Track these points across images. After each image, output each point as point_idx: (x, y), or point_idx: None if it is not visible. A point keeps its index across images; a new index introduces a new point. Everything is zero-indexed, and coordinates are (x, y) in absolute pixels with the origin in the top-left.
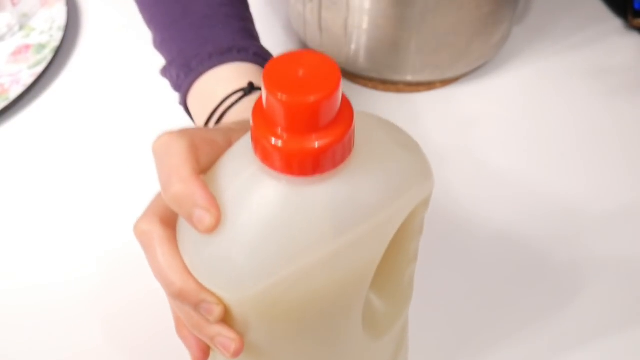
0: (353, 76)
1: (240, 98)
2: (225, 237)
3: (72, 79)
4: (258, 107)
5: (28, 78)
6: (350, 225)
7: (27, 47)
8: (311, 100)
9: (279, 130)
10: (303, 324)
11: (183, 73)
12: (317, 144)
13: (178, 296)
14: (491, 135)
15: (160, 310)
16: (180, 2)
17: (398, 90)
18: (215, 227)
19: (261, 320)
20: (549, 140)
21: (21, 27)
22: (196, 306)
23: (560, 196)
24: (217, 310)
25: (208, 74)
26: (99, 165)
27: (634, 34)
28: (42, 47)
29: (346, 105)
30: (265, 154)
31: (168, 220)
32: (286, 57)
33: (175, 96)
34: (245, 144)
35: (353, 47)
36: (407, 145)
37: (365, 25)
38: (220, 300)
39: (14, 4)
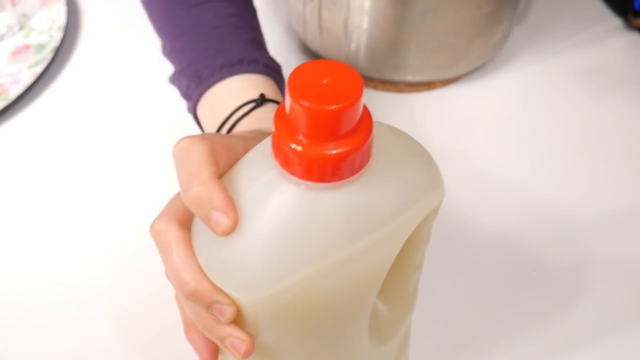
0: None
1: (252, 109)
2: (241, 239)
3: (71, 79)
4: (280, 113)
5: (28, 78)
6: (364, 232)
7: (27, 47)
8: (334, 108)
9: (301, 137)
10: (312, 327)
11: (194, 83)
12: (337, 152)
13: (191, 296)
14: (491, 135)
15: (171, 310)
16: (190, 12)
17: (398, 90)
18: (232, 230)
19: (272, 321)
20: (549, 140)
21: (21, 27)
22: (209, 307)
23: (560, 197)
24: (230, 311)
25: (219, 85)
26: (99, 165)
27: (634, 34)
28: (41, 47)
29: (366, 114)
30: (285, 159)
31: (184, 221)
32: (311, 65)
33: (175, 96)
34: (263, 149)
35: (353, 47)
36: (419, 155)
37: (365, 25)
38: (232, 302)
39: (13, 4)
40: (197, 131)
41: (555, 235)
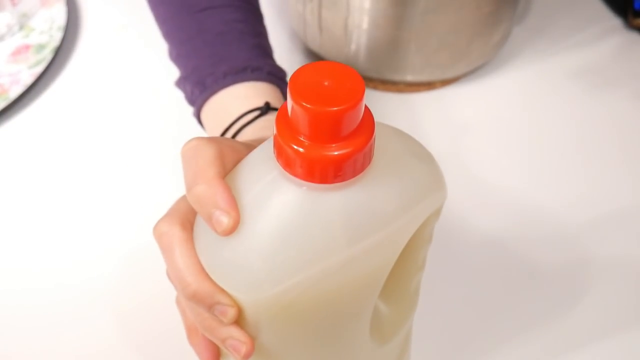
0: None
1: (257, 117)
2: (243, 239)
3: (71, 79)
4: (282, 115)
5: (28, 78)
6: (366, 233)
7: (27, 47)
8: (336, 110)
9: (303, 138)
10: (313, 327)
11: (198, 90)
12: (339, 153)
13: (193, 297)
14: (491, 135)
15: (172, 311)
16: (195, 18)
17: (398, 90)
18: (233, 229)
19: (274, 322)
20: (548, 140)
21: (21, 27)
22: (210, 308)
23: (559, 197)
24: (231, 312)
25: (223, 92)
26: (99, 165)
27: (634, 34)
28: (41, 47)
29: (368, 115)
30: (287, 161)
31: (187, 223)
32: (312, 67)
33: (175, 96)
34: (265, 150)
35: (353, 47)
36: (421, 156)
37: (365, 25)
38: (234, 302)
39: (13, 4)
40: (199, 131)
41: (555, 236)
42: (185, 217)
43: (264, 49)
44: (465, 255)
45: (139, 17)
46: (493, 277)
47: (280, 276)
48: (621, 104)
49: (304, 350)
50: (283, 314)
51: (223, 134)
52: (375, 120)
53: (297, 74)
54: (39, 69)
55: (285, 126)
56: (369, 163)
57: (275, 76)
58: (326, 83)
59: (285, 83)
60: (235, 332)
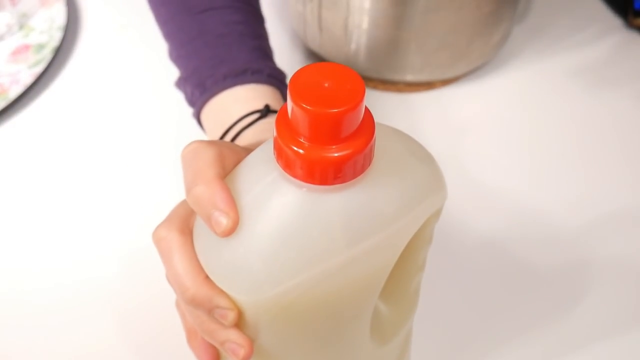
0: None
1: (257, 119)
2: (242, 240)
3: (71, 79)
4: (282, 116)
5: (27, 78)
6: (366, 235)
7: (27, 46)
8: (336, 111)
9: (303, 139)
10: (314, 328)
11: (198, 91)
12: (339, 154)
13: (192, 301)
14: (491, 135)
15: (172, 312)
16: (196, 19)
17: (398, 90)
18: (232, 230)
19: (273, 323)
20: (548, 140)
21: (21, 27)
22: (210, 312)
23: (560, 197)
24: (231, 315)
25: (223, 94)
26: (99, 165)
27: (634, 34)
28: (41, 47)
29: (368, 116)
30: (287, 162)
31: (186, 228)
32: (312, 68)
33: (175, 96)
34: (264, 151)
35: (353, 47)
36: (422, 157)
37: (365, 25)
38: (233, 306)
39: (13, 4)
40: (199, 131)
41: (555, 236)
42: (184, 221)
43: (264, 51)
44: (466, 256)
45: (139, 17)
46: (493, 278)
47: (280, 277)
48: (621, 104)
49: (304, 351)
50: (283, 315)
51: (223, 135)
52: (375, 121)
53: (297, 75)
54: (39, 68)
55: (285, 127)
56: (369, 164)
57: (276, 78)
58: (326, 84)
59: (285, 85)
60: (233, 335)
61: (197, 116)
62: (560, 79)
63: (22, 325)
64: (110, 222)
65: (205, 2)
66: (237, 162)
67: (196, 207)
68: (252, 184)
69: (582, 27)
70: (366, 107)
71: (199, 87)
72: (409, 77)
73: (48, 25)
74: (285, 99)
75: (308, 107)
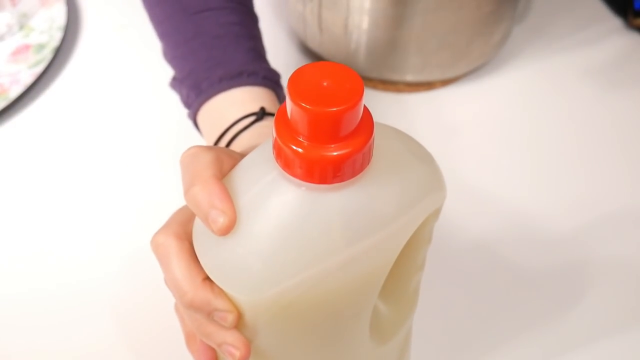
0: None
1: (252, 122)
2: (242, 240)
3: (71, 79)
4: (281, 115)
5: (28, 78)
6: (365, 234)
7: (27, 47)
8: (335, 110)
9: (302, 139)
10: (313, 328)
11: (193, 93)
12: (338, 153)
13: (190, 305)
14: (491, 135)
15: (172, 312)
16: (191, 20)
17: (398, 90)
18: (229, 229)
19: (273, 322)
20: (549, 140)
21: (21, 27)
22: (209, 314)
23: (560, 197)
24: (230, 317)
25: (219, 96)
26: (99, 165)
27: (634, 34)
28: (41, 47)
29: (367, 115)
30: (286, 161)
31: (184, 234)
32: (311, 67)
33: (175, 96)
34: (263, 151)
35: (353, 47)
36: (421, 156)
37: (365, 25)
38: (232, 307)
39: (13, 4)
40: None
41: (555, 236)
42: (181, 227)
43: (259, 52)
44: (466, 256)
45: (139, 17)
46: (493, 278)
47: (279, 276)
48: (621, 104)
49: (303, 350)
50: (282, 314)
51: (220, 137)
52: (375, 120)
53: (296, 74)
54: (39, 68)
55: (285, 127)
56: (368, 163)
57: (271, 80)
58: (325, 83)
59: (280, 86)
60: (229, 337)
61: (193, 118)
62: (560, 78)
63: (23, 326)
64: (110, 223)
65: (201, 3)
66: (235, 165)
67: (193, 207)
68: (251, 184)
69: (582, 27)
70: (365, 107)
71: (195, 89)
72: (409, 77)
73: (48, 25)
74: (280, 101)
75: (307, 106)
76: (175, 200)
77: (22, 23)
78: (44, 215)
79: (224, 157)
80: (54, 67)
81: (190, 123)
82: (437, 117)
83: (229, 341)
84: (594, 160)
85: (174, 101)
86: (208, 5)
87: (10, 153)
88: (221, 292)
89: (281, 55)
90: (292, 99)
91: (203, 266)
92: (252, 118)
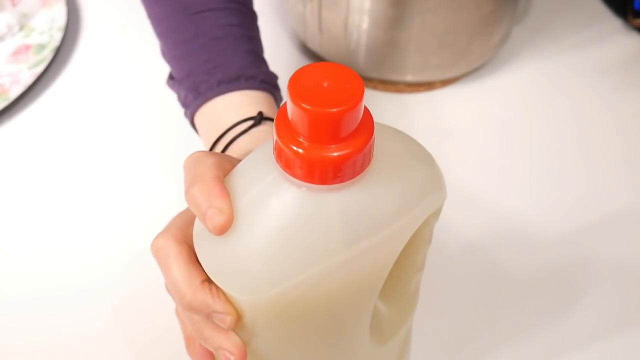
0: None
1: (250, 127)
2: (242, 240)
3: (72, 79)
4: (282, 116)
5: (28, 78)
6: (365, 234)
7: (27, 47)
8: (335, 111)
9: (302, 139)
10: (313, 328)
11: (191, 95)
12: (339, 154)
13: (189, 307)
14: (492, 135)
15: (174, 315)
16: (191, 20)
17: (398, 90)
18: (225, 228)
19: (273, 322)
20: (549, 140)
21: (21, 27)
22: (208, 317)
23: (560, 197)
24: (228, 319)
25: (217, 99)
26: (100, 166)
27: (634, 34)
28: (42, 47)
29: (367, 116)
30: (287, 162)
31: (183, 238)
32: (311, 68)
33: (176, 98)
34: (264, 152)
35: (353, 47)
36: (421, 156)
37: (365, 25)
38: (231, 309)
39: (13, 4)
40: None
41: (557, 236)
42: (181, 231)
43: (257, 55)
44: (466, 256)
45: (139, 17)
46: (493, 278)
47: (279, 277)
48: (622, 104)
49: (303, 350)
50: (283, 315)
51: (217, 140)
52: (375, 120)
53: (296, 75)
54: (39, 69)
55: (285, 127)
56: (369, 164)
57: (269, 84)
58: (325, 84)
59: (279, 89)
60: (225, 342)
61: (191, 118)
62: (560, 79)
63: (23, 327)
64: (111, 223)
65: (201, 3)
66: None
67: (192, 206)
68: (252, 184)
69: (582, 27)
70: (365, 107)
71: (193, 91)
72: (409, 78)
73: (48, 25)
74: (278, 104)
75: (307, 107)
76: (175, 200)
77: (23, 23)
78: (44, 216)
79: (225, 162)
80: (54, 68)
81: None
82: (437, 117)
83: (224, 346)
84: (594, 160)
85: (174, 101)
86: (208, 5)
87: (10, 153)
88: (220, 294)
89: (281, 56)
90: (293, 100)
91: (204, 267)
92: (249, 122)
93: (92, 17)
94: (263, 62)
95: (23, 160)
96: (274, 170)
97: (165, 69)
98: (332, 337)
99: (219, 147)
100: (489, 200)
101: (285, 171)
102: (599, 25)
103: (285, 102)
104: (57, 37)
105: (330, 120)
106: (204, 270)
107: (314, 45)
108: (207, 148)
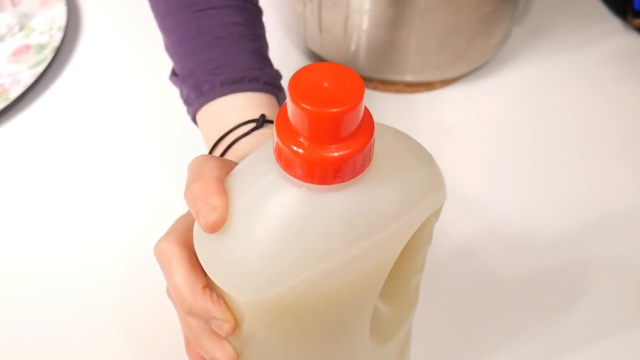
0: None
1: (252, 129)
2: (242, 240)
3: (72, 79)
4: (282, 116)
5: (28, 78)
6: (365, 234)
7: (27, 47)
8: (335, 111)
9: (302, 139)
10: (313, 328)
11: (194, 94)
12: (339, 154)
13: (189, 312)
14: (491, 135)
15: (174, 315)
16: (196, 17)
17: (398, 91)
18: (217, 225)
19: (273, 323)
20: (549, 140)
21: (21, 28)
22: (207, 322)
23: (560, 196)
24: (226, 327)
25: (219, 100)
26: (100, 166)
27: (634, 34)
28: (42, 47)
29: (367, 116)
30: (287, 162)
31: (186, 241)
32: (312, 68)
33: (177, 96)
34: (264, 152)
35: (353, 47)
36: (421, 156)
37: (365, 25)
38: (229, 317)
39: (14, 4)
40: (199, 133)
41: (557, 236)
42: (183, 235)
43: (262, 54)
44: (466, 256)
45: (139, 17)
46: (494, 278)
47: (280, 277)
48: (621, 104)
49: (304, 350)
50: (283, 315)
51: (219, 141)
52: (375, 121)
53: (296, 75)
54: (40, 69)
55: (285, 127)
56: (369, 164)
57: (272, 85)
58: (326, 84)
59: (282, 90)
60: (219, 352)
61: (193, 116)
62: (560, 79)
63: (24, 327)
64: (112, 224)
65: (206, 0)
66: None
67: (189, 204)
68: (252, 184)
69: (582, 27)
70: (365, 107)
71: (196, 90)
72: (409, 78)
73: (49, 25)
74: (281, 105)
75: (307, 107)
76: (176, 201)
77: (23, 23)
78: (45, 216)
79: (228, 166)
80: (54, 68)
81: (191, 122)
82: (437, 117)
83: (218, 356)
84: (594, 160)
85: (174, 101)
86: (213, 3)
87: (10, 153)
88: (220, 301)
89: (281, 57)
90: (293, 100)
91: (204, 267)
92: (251, 125)
93: (92, 17)
94: (267, 62)
95: (23, 160)
96: (274, 171)
97: (165, 69)
98: (332, 337)
99: (220, 148)
100: (489, 200)
101: (286, 171)
102: (599, 25)
103: (286, 103)
104: (57, 37)
105: (330, 120)
106: (206, 276)
107: (313, 46)
108: (208, 148)
